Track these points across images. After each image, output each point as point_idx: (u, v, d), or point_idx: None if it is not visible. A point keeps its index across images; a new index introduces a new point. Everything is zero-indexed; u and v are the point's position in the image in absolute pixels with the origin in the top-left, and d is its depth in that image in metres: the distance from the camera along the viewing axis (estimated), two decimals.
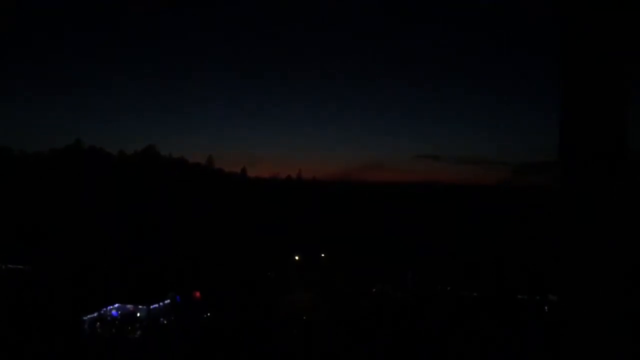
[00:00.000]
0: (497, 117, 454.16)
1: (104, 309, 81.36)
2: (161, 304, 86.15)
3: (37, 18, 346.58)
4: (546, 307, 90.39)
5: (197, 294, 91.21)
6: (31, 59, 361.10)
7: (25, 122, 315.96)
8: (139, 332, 79.37)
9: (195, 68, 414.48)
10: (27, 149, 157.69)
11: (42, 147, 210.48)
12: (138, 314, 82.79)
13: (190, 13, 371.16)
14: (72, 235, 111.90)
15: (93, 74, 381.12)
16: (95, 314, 79.45)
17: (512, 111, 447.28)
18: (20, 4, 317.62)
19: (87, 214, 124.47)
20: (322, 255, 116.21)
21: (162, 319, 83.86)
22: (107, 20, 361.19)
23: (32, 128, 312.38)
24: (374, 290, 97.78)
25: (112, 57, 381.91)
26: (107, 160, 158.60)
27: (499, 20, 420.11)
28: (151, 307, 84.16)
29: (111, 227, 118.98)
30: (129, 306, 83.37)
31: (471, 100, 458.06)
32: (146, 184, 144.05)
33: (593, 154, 2.43)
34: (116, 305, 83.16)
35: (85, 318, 77.47)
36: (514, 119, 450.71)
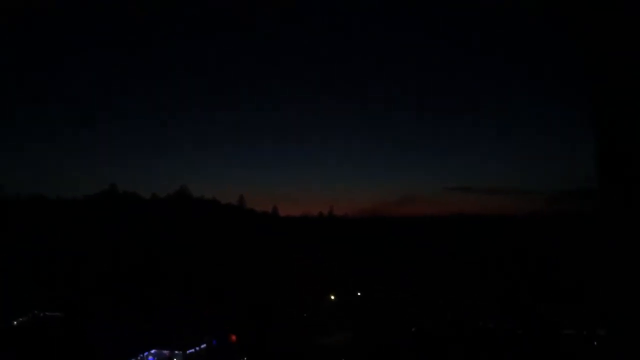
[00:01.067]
0: (528, 146, 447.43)
1: (141, 354, 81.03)
2: (197, 348, 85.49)
3: (71, 65, 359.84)
4: (595, 342, 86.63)
5: (233, 337, 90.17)
6: (64, 106, 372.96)
7: (61, 168, 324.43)
8: None
9: (224, 109, 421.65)
10: (63, 195, 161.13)
11: (78, 192, 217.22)
12: (175, 359, 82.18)
13: (215, 56, 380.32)
14: (107, 280, 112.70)
15: (124, 120, 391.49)
16: None
17: (544, 139, 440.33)
18: (59, 56, 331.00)
19: (122, 257, 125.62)
20: (358, 293, 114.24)
21: None
22: (141, 69, 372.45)
23: (67, 175, 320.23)
24: (413, 329, 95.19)
25: (142, 102, 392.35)
26: (141, 203, 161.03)
27: (526, 48, 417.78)
28: (187, 351, 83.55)
29: (144, 269, 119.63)
30: (165, 351, 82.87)
31: (501, 129, 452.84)
32: (179, 225, 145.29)
33: (633, 179, 2.35)
34: (153, 350, 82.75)
35: None
36: (546, 147, 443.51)
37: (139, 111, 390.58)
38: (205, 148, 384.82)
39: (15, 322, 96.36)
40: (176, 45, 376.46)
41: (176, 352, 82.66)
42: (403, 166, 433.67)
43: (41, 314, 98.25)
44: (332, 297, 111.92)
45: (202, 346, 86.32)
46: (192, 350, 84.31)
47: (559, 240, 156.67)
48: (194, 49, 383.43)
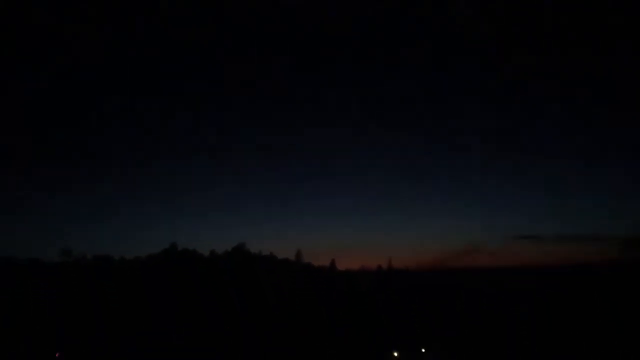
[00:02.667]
0: (603, 189, 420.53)
1: None
2: None
3: (118, 126, 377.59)
4: None
5: None
6: (118, 166, 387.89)
7: (125, 230, 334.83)
8: None
9: (278, 164, 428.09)
10: (127, 256, 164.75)
11: (142, 252, 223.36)
12: None
13: (267, 114, 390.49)
14: (167, 338, 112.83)
15: (179, 178, 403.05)
16: None
17: (620, 180, 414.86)
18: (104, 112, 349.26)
19: (181, 313, 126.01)
20: (423, 350, 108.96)
21: None
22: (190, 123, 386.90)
23: (131, 235, 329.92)
24: None
25: (198, 161, 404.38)
26: (200, 260, 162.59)
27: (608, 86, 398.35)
28: None
29: (204, 330, 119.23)
30: None
31: (572, 172, 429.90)
32: (238, 281, 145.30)
33: None
34: None
35: None
36: (622, 188, 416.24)
37: (196, 168, 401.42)
38: (263, 206, 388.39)
39: None
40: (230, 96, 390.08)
41: None
42: (466, 216, 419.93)
43: None
44: (396, 354, 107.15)
45: None
46: None
47: (636, 290, 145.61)
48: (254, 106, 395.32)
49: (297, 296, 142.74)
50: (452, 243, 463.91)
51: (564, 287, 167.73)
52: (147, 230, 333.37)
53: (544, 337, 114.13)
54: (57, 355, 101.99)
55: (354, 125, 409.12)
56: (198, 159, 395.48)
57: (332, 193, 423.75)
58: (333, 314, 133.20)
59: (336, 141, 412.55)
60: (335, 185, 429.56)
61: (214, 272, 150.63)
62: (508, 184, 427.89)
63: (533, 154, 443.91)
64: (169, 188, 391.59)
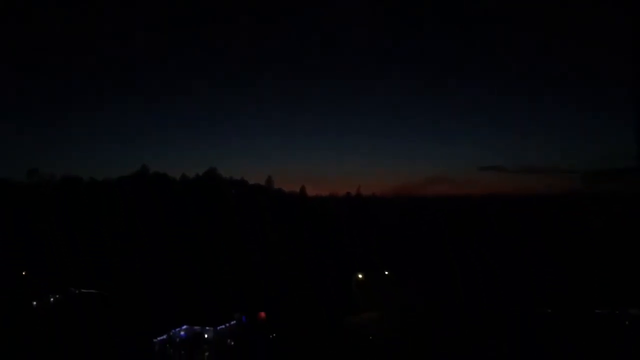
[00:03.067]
0: (565, 124, 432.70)
1: (173, 330, 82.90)
2: (227, 324, 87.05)
3: (102, 49, 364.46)
4: (627, 322, 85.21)
5: (262, 314, 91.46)
6: (96, 92, 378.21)
7: (96, 151, 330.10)
8: (207, 354, 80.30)
9: (251, 92, 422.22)
10: (97, 177, 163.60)
11: (112, 174, 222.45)
12: (206, 335, 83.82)
13: (238, 45, 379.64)
14: (139, 259, 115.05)
15: (154, 103, 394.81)
16: (165, 336, 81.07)
17: (581, 116, 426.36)
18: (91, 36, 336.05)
19: (153, 237, 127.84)
20: (386, 272, 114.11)
21: (229, 340, 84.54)
22: (166, 52, 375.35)
23: (101, 157, 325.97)
24: (441, 306, 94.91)
25: (171, 84, 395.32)
26: (171, 184, 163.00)
27: (564, 22, 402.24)
28: (218, 328, 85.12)
29: (176, 249, 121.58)
30: (197, 327, 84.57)
31: (537, 107, 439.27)
32: (208, 206, 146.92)
33: None
34: (184, 327, 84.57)
35: (155, 340, 79.21)
36: (583, 124, 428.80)
37: (170, 94, 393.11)
38: (234, 131, 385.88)
39: (52, 299, 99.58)
40: (205, 26, 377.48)
41: (207, 328, 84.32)
42: (433, 145, 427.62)
43: (76, 291, 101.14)
44: (360, 276, 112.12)
45: (232, 323, 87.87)
46: (222, 326, 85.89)
47: (594, 220, 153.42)
48: (222, 30, 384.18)
49: (268, 220, 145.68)
50: (418, 172, 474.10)
51: (524, 216, 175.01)
52: (117, 152, 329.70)
53: (505, 262, 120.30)
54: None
55: (324, 59, 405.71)
56: (169, 84, 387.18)
57: (303, 122, 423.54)
58: (303, 238, 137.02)
59: (307, 72, 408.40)
60: (305, 114, 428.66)
61: (185, 196, 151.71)
62: (475, 116, 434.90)
63: (500, 88, 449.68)
64: (139, 109, 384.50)
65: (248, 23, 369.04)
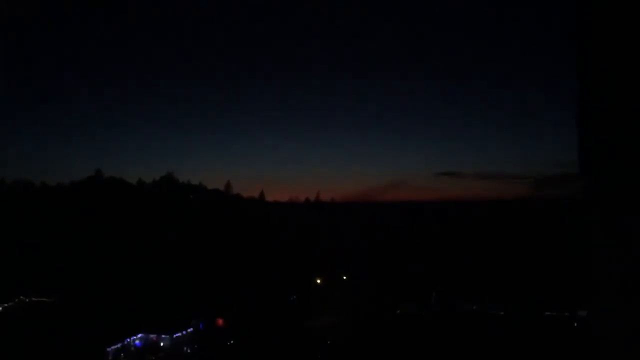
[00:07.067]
0: (518, 132, 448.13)
1: (128, 339, 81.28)
2: (184, 332, 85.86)
3: (58, 53, 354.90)
4: (575, 324, 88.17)
5: (220, 321, 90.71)
6: (50, 93, 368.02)
7: (47, 154, 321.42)
8: None
9: (211, 95, 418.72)
10: (49, 181, 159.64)
11: (64, 178, 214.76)
12: (162, 344, 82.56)
13: (204, 44, 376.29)
14: (94, 265, 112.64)
15: (111, 106, 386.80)
16: (119, 345, 79.40)
17: (533, 125, 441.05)
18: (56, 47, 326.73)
19: (108, 243, 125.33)
20: (344, 277, 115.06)
21: (185, 348, 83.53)
22: (127, 53, 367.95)
23: (53, 160, 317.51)
24: (398, 311, 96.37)
25: (128, 89, 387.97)
26: (127, 189, 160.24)
27: (519, 31, 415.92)
28: (174, 335, 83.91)
29: (132, 255, 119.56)
30: (152, 336, 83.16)
31: (492, 115, 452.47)
32: (165, 211, 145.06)
33: (614, 166, 2.33)
34: (139, 335, 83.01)
35: (109, 349, 77.46)
36: (535, 132, 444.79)
37: (126, 96, 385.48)
38: (192, 136, 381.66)
39: (1, 308, 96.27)
40: (166, 34, 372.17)
41: (163, 336, 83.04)
42: (392, 151, 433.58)
43: (27, 300, 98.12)
44: (319, 281, 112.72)
45: (189, 330, 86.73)
46: (179, 334, 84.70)
47: (543, 224, 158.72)
48: (184, 37, 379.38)
49: (227, 225, 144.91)
50: (378, 178, 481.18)
51: (478, 220, 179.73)
52: (70, 157, 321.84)
53: (459, 265, 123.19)
54: None
55: (286, 62, 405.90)
56: (124, 85, 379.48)
57: (262, 128, 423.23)
58: (261, 243, 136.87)
59: (270, 77, 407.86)
60: (265, 120, 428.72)
61: (141, 201, 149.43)
62: (432, 124, 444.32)
63: (455, 96, 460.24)
64: (94, 111, 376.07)
65: (197, 28, 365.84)
